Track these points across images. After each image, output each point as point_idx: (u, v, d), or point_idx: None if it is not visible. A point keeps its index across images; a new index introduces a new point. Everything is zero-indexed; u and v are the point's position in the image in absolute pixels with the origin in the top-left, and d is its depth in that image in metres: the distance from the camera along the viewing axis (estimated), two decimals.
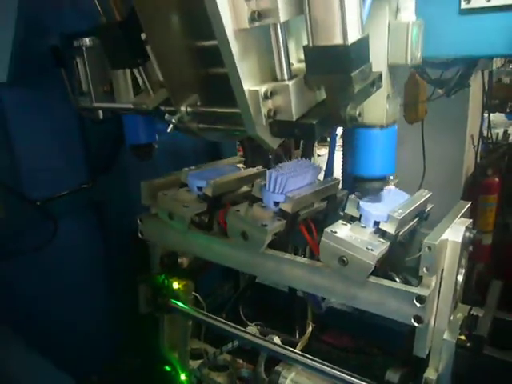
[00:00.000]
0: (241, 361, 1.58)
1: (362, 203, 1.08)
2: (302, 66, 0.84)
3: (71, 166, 1.93)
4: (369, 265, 0.95)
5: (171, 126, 0.91)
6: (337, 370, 1.14)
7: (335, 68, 0.74)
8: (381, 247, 0.98)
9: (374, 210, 1.05)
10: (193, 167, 1.37)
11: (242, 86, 0.77)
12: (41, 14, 1.58)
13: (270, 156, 1.88)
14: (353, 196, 1.10)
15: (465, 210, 1.18)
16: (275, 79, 0.80)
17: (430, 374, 1.03)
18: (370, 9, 0.86)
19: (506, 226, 2.82)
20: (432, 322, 1.01)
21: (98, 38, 1.04)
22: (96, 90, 1.58)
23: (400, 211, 1.04)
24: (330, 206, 1.26)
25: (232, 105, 0.95)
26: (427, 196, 1.23)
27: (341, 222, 1.06)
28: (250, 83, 0.78)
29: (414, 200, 1.18)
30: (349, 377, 1.12)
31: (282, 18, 0.72)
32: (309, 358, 1.18)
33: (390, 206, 1.07)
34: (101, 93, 1.58)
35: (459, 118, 2.46)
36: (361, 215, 1.08)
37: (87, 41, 1.53)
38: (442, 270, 1.02)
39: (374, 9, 0.89)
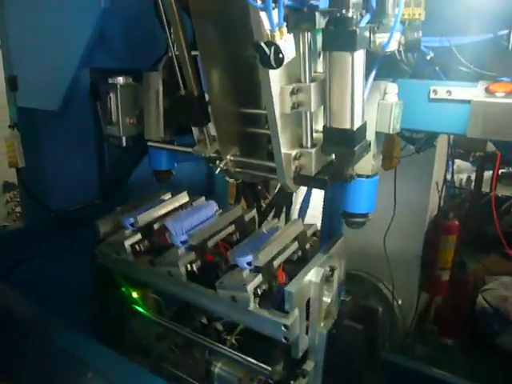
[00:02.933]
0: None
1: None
2: (318, 135, 1.27)
3: (88, 183, 2.27)
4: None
5: (219, 169, 1.31)
6: (248, 361, 1.51)
7: (344, 144, 1.17)
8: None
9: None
10: None
11: (280, 149, 1.19)
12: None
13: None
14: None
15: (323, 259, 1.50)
16: (301, 146, 1.23)
17: (308, 365, 1.44)
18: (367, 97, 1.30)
19: (463, 264, 3.29)
20: (303, 334, 1.40)
21: (177, 104, 1.43)
22: (124, 122, 1.94)
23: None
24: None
25: (260, 156, 1.37)
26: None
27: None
28: (285, 148, 1.20)
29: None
30: (255, 366, 1.49)
31: (313, 108, 1.15)
32: (231, 352, 1.56)
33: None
34: (127, 124, 1.95)
35: (426, 166, 2.93)
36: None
37: (121, 79, 1.91)
38: (309, 298, 1.40)
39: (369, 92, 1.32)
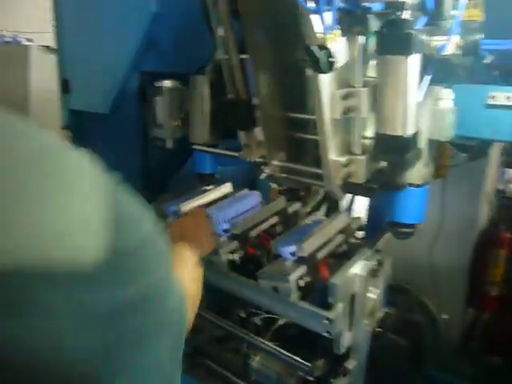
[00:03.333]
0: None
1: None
2: (368, 142, 1.23)
3: (132, 184, 2.29)
4: None
5: (264, 174, 1.30)
6: (287, 356, 1.48)
7: (396, 151, 1.13)
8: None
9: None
10: None
11: (328, 156, 1.16)
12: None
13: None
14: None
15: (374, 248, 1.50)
16: (350, 152, 1.19)
17: (350, 363, 1.40)
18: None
19: None
20: (347, 329, 1.36)
21: (224, 108, 1.43)
22: (169, 124, 1.97)
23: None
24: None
25: (307, 162, 1.35)
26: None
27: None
28: (334, 155, 1.17)
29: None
30: (295, 362, 1.46)
31: (364, 114, 1.12)
32: (270, 347, 1.53)
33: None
34: (173, 127, 1.98)
35: (477, 175, 2.81)
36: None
37: (168, 83, 1.94)
38: (354, 293, 1.37)
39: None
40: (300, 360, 1.46)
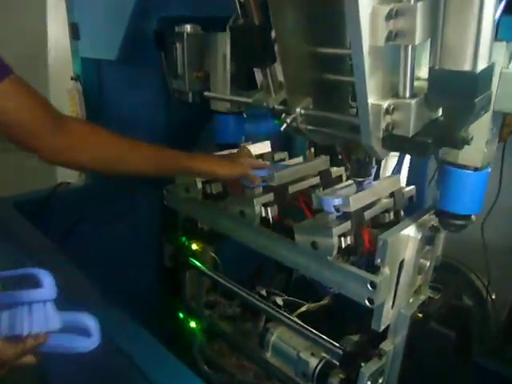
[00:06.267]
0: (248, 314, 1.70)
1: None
2: (419, 83, 0.91)
3: (154, 140, 2.07)
4: None
5: (285, 125, 1.00)
6: (312, 332, 1.34)
7: (460, 93, 0.80)
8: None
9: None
10: None
11: (366, 99, 0.84)
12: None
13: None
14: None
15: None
16: (396, 96, 0.87)
17: (386, 345, 1.21)
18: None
19: None
20: (390, 303, 1.16)
21: (233, 36, 1.14)
22: (190, 75, 1.71)
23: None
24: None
25: (340, 111, 1.04)
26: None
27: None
28: (373, 97, 0.85)
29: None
30: (320, 339, 1.31)
31: (417, 40, 0.79)
32: (292, 321, 1.39)
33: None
34: (194, 78, 1.72)
35: None
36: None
37: (188, 28, 1.67)
38: (403, 260, 1.16)
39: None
40: (326, 338, 1.30)
